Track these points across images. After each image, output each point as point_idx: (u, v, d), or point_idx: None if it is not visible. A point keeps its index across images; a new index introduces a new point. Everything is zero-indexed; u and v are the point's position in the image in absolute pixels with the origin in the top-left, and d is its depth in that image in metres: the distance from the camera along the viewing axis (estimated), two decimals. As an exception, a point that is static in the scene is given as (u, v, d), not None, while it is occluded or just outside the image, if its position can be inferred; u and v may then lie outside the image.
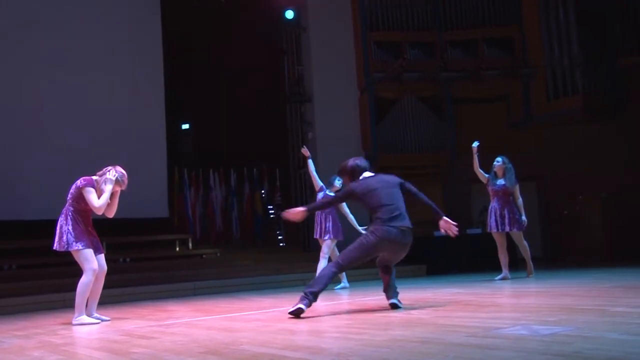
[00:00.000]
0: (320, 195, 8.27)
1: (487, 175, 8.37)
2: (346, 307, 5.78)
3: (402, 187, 4.99)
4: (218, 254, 12.29)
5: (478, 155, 8.34)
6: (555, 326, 3.45)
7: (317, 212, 8.25)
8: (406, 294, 5.31)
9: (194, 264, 11.50)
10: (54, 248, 5.63)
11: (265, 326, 4.49)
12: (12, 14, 11.77)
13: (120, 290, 8.56)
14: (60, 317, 6.43)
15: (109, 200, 5.60)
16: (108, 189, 5.58)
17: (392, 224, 4.73)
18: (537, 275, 8.26)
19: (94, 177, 5.69)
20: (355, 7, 14.42)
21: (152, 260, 11.39)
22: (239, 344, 3.66)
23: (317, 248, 10.90)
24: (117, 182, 5.65)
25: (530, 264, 8.36)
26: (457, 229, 4.98)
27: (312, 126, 14.13)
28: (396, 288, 4.99)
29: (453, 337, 3.37)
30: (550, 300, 5.12)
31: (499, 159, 8.34)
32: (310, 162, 8.41)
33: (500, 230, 8.19)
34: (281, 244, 14.90)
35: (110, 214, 5.75)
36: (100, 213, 5.61)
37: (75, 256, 5.58)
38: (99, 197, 5.56)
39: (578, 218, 13.34)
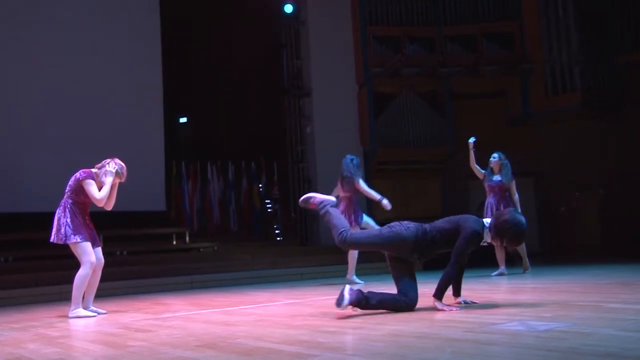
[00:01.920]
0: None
1: (483, 171, 8.40)
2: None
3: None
4: (215, 248, 12.27)
5: (475, 151, 8.34)
6: (551, 322, 3.46)
7: (345, 202, 8.34)
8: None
9: (191, 258, 11.50)
10: (52, 240, 5.63)
11: (262, 320, 4.50)
12: (10, 5, 11.72)
13: (117, 283, 8.56)
14: (56, 309, 6.43)
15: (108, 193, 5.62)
16: (108, 181, 5.59)
17: None
18: (534, 272, 8.28)
19: (93, 170, 5.69)
20: (355, 1, 14.37)
21: (149, 254, 11.38)
22: (236, 337, 3.67)
23: (315, 242, 10.92)
24: (117, 174, 5.67)
25: (526, 260, 8.37)
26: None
27: (311, 120, 14.10)
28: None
29: (449, 332, 3.37)
30: (547, 296, 5.13)
31: (495, 154, 8.37)
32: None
33: (496, 226, 8.20)
34: (278, 238, 14.88)
35: (109, 207, 5.76)
36: (101, 205, 5.63)
37: (73, 249, 5.58)
38: (98, 190, 5.57)
39: (575, 214, 13.36)
